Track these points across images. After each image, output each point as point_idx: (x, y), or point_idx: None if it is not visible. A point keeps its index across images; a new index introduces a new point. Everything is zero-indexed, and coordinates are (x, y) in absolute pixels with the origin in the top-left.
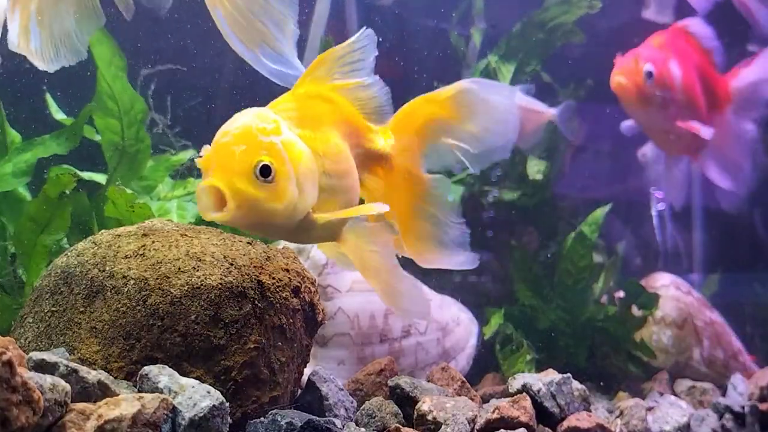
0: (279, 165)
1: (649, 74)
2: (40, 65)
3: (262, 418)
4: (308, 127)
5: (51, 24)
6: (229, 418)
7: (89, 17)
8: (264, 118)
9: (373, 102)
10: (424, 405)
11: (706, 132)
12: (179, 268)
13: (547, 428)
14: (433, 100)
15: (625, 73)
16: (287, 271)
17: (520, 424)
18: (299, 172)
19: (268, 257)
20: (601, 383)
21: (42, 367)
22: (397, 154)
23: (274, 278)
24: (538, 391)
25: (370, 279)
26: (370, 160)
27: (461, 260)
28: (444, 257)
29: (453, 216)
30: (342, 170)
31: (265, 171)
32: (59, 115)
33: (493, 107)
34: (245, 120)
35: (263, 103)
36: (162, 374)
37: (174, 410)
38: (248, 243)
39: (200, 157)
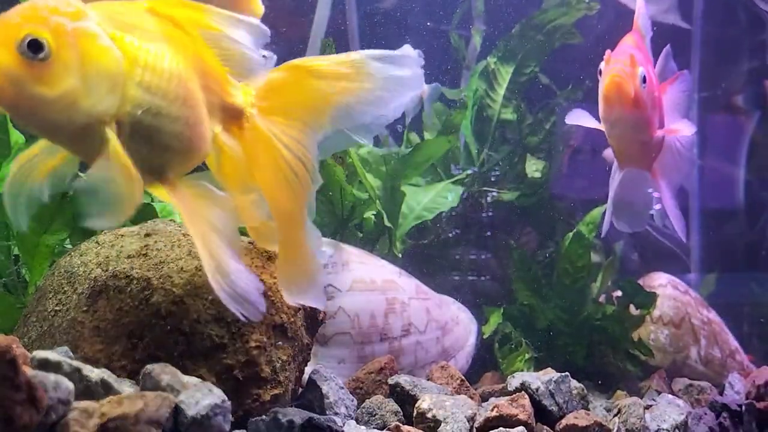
0: (58, 46)
1: (644, 79)
2: None
3: (263, 416)
4: (137, 35)
5: None
6: (230, 416)
7: None
8: (66, 2)
9: (242, 60)
10: (424, 403)
11: (688, 128)
12: (181, 268)
13: (545, 426)
14: (319, 74)
15: (624, 75)
16: None
17: (519, 423)
18: (89, 65)
19: (270, 257)
20: (599, 382)
21: (45, 365)
22: (260, 120)
23: (275, 278)
24: (537, 390)
25: (197, 241)
26: (225, 113)
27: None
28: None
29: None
30: (173, 93)
31: (36, 47)
32: None
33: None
34: None
35: None
36: (164, 373)
37: (176, 408)
38: (249, 243)
39: None
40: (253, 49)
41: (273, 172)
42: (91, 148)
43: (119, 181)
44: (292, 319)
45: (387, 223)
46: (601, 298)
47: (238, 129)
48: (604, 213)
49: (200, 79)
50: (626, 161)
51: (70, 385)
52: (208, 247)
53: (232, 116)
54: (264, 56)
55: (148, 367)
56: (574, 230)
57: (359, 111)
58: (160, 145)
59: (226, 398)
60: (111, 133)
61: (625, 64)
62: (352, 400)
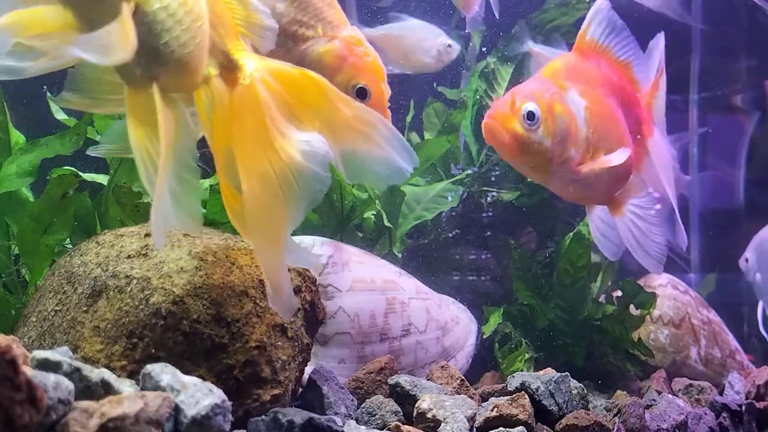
0: None
1: (530, 115)
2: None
3: (263, 416)
4: None
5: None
6: (230, 416)
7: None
8: None
9: (254, 25)
10: (424, 403)
11: (618, 157)
12: (181, 268)
13: (545, 426)
14: (329, 98)
15: (497, 117)
16: (288, 270)
17: (519, 422)
18: None
19: None
20: (599, 382)
21: (45, 365)
22: (257, 83)
23: None
24: (537, 390)
25: (162, 152)
26: (225, 60)
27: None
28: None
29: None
30: (190, 4)
31: None
32: (60, 116)
33: None
34: None
35: None
36: (164, 373)
37: (176, 408)
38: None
39: None
40: (268, 15)
41: (252, 145)
42: (98, 15)
43: (118, 46)
44: (293, 319)
45: (387, 223)
46: (601, 298)
47: (232, 82)
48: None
49: (211, 15)
50: (581, 201)
51: (70, 385)
52: (164, 163)
53: (230, 68)
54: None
55: (148, 367)
56: (574, 230)
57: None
58: (162, 46)
59: (226, 398)
60: (126, 8)
61: (505, 104)
62: (352, 400)
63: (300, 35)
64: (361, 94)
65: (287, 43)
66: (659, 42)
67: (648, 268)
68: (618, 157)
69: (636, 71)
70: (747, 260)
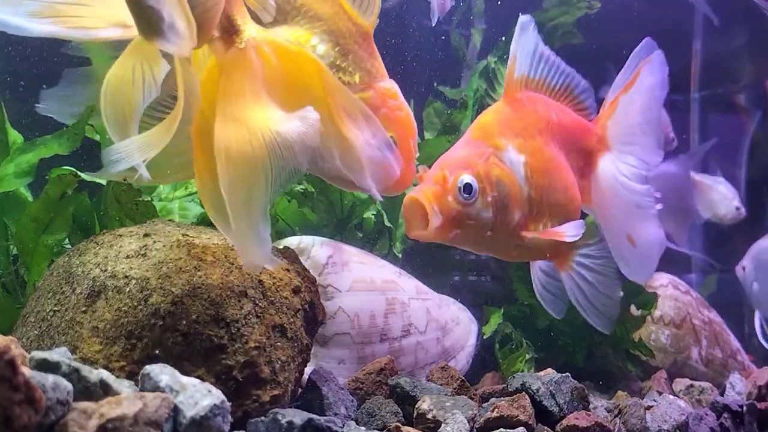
0: None
1: (467, 188)
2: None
3: (262, 417)
4: None
5: None
6: (230, 417)
7: None
8: None
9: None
10: (424, 404)
11: (571, 231)
12: (180, 268)
13: (546, 427)
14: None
15: (426, 195)
16: (288, 270)
17: (519, 423)
18: None
19: None
20: (600, 382)
21: (44, 366)
22: (251, 50)
23: (274, 278)
24: (537, 390)
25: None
26: (226, 22)
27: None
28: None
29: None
30: None
31: None
32: None
33: None
34: None
35: None
36: (163, 373)
37: (175, 409)
38: None
39: None
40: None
41: (233, 108)
42: None
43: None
44: (292, 320)
45: (387, 223)
46: None
47: (228, 45)
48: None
49: None
50: (523, 260)
51: (69, 386)
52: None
53: (230, 32)
54: None
55: (147, 367)
56: None
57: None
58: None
59: (225, 399)
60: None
61: (436, 180)
62: (352, 401)
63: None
64: None
65: None
66: (639, 55)
67: (599, 327)
68: (572, 232)
69: (580, 94)
70: (744, 269)
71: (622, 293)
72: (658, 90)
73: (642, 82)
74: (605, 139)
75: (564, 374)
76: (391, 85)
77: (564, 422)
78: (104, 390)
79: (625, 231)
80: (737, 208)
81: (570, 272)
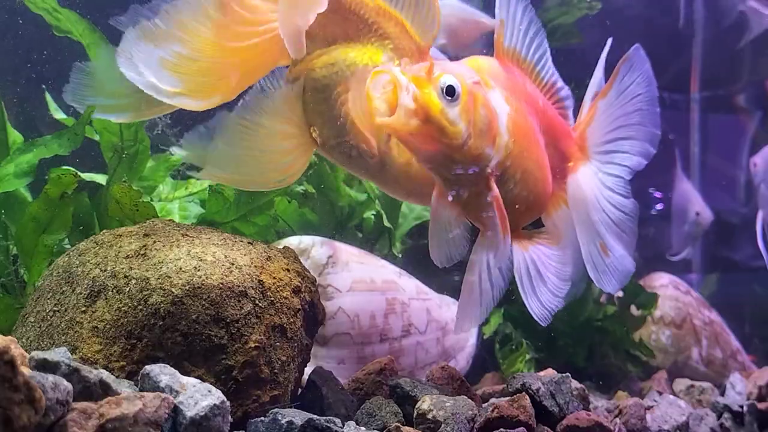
0: None
1: (450, 90)
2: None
3: (262, 417)
4: None
5: None
6: (230, 417)
7: None
8: None
9: None
10: (424, 404)
11: (458, 331)
12: (180, 268)
13: (546, 427)
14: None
15: (406, 75)
16: (288, 270)
17: (520, 423)
18: None
19: (269, 257)
20: (600, 382)
21: (44, 366)
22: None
23: (274, 278)
24: (538, 390)
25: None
26: None
27: None
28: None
29: None
30: None
31: None
32: (59, 115)
33: None
34: None
35: None
36: (163, 373)
37: (175, 409)
38: (249, 243)
39: None
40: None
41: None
42: None
43: None
44: (292, 320)
45: (387, 223)
46: (603, 299)
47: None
48: None
49: None
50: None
51: (69, 386)
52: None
53: None
54: None
55: (147, 367)
56: None
57: None
58: None
59: (225, 399)
60: None
61: (420, 69)
62: (352, 401)
63: None
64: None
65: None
66: (605, 57)
67: (532, 312)
68: (460, 329)
69: (563, 96)
70: (755, 165)
71: (577, 295)
72: (641, 87)
73: (620, 82)
74: (585, 148)
75: (564, 374)
76: None
77: (564, 422)
78: (104, 390)
79: (598, 240)
80: (697, 214)
81: (523, 252)
